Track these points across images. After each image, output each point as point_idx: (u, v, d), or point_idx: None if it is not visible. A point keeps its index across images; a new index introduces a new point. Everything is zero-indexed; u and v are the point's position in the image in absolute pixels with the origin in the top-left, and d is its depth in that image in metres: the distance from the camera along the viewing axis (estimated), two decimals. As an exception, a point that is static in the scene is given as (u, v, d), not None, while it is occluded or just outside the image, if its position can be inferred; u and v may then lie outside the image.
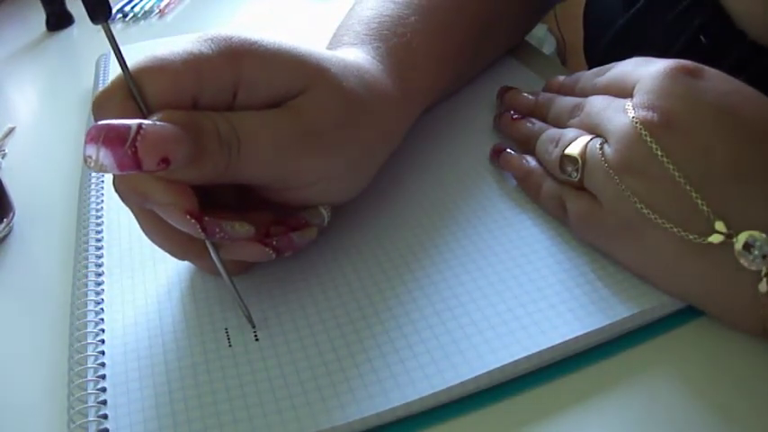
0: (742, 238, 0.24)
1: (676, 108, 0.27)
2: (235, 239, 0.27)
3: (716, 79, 0.28)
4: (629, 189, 0.27)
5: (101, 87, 0.50)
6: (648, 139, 0.27)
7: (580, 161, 0.29)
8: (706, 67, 0.28)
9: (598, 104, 0.31)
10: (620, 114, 0.28)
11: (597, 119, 0.30)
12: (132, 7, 0.66)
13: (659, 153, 0.26)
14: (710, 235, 0.25)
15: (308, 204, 0.30)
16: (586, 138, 0.30)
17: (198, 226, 0.25)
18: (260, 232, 0.28)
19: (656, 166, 0.26)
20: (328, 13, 0.58)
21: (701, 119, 0.26)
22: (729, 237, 0.25)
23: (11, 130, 0.49)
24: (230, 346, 0.28)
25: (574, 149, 0.30)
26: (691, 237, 0.26)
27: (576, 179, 0.30)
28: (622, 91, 0.30)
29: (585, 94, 0.33)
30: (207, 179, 0.26)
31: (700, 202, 0.25)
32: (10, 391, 0.28)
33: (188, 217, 0.25)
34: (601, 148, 0.29)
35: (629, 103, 0.28)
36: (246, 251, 0.28)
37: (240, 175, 0.27)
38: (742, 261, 0.24)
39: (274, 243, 0.28)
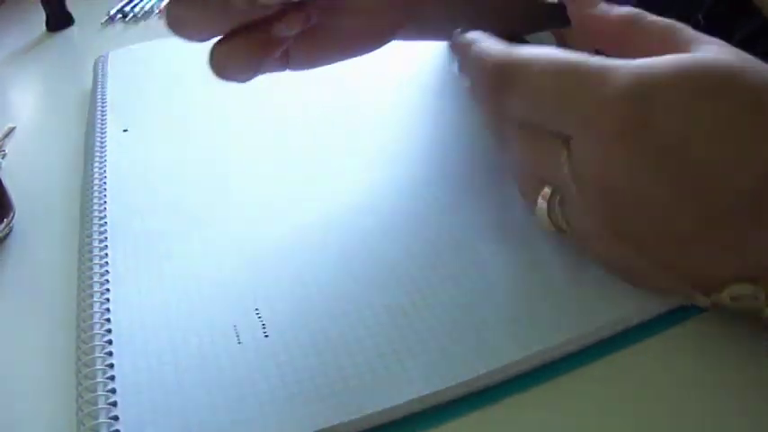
0: (726, 297, 0.23)
1: (621, 186, 0.22)
2: None
3: (670, 120, 0.21)
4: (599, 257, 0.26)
5: (99, 89, 0.51)
6: (599, 216, 0.24)
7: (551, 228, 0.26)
8: (657, 102, 0.22)
9: (528, 156, 0.26)
10: (561, 173, 0.24)
11: (539, 172, 0.26)
12: (132, 7, 0.66)
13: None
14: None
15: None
16: (543, 197, 0.26)
17: None
18: None
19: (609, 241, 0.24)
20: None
21: (649, 193, 0.22)
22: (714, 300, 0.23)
23: (11, 130, 0.49)
24: (239, 343, 0.27)
25: (541, 216, 0.26)
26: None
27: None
28: (553, 125, 0.24)
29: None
30: None
31: (666, 277, 0.24)
32: (11, 393, 0.28)
33: None
34: (560, 208, 0.25)
35: (565, 165, 0.24)
36: None
37: None
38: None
39: None
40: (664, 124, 0.21)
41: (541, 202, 0.26)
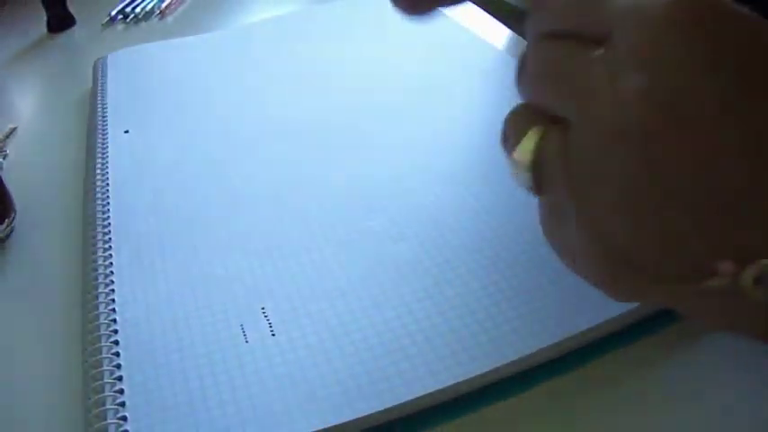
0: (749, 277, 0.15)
1: (684, 90, 0.15)
2: None
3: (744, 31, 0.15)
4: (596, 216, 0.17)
5: (100, 90, 0.50)
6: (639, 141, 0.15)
7: (531, 172, 0.18)
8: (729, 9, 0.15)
9: (548, 58, 0.18)
10: (594, 82, 0.16)
11: (552, 87, 0.18)
12: (133, 8, 0.66)
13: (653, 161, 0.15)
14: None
15: None
16: (537, 130, 0.18)
17: None
18: None
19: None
20: (328, 16, 0.57)
21: (713, 108, 0.15)
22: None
23: (12, 131, 0.49)
24: (247, 341, 0.27)
25: (523, 155, 0.18)
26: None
27: (534, 192, 0.19)
28: (585, 24, 0.17)
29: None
30: None
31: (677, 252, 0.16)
32: (13, 394, 0.28)
33: None
34: (560, 147, 0.17)
35: (599, 67, 0.16)
36: None
37: None
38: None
39: None
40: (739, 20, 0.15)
41: (531, 135, 0.18)
